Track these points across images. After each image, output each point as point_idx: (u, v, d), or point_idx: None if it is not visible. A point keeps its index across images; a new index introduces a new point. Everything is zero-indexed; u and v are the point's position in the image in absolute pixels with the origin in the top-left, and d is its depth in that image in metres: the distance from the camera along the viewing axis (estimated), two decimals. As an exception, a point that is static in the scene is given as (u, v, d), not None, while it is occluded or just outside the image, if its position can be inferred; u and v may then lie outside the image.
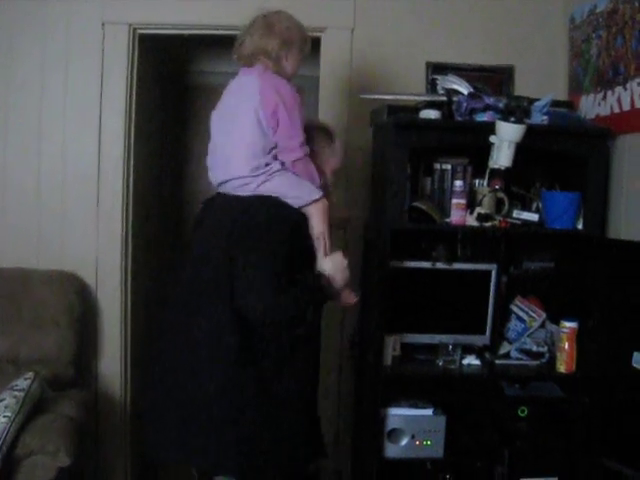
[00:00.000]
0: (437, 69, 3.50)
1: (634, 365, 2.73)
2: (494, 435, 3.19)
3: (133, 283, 3.71)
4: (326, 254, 2.34)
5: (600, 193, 3.05)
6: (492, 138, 2.87)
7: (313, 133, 2.40)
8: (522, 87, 3.52)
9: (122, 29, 3.52)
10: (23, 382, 2.86)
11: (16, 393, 2.78)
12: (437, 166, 3.17)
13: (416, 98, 3.18)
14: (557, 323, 3.17)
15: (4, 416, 2.65)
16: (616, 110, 3.01)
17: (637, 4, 2.83)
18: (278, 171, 2.25)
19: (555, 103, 3.16)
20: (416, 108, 3.11)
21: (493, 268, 3.24)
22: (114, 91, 3.54)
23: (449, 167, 3.17)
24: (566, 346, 3.08)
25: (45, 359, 3.21)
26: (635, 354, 2.73)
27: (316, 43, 3.54)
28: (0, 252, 3.52)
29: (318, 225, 2.31)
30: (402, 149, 2.96)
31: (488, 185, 3.07)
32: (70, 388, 3.21)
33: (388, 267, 3.00)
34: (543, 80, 3.54)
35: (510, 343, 3.31)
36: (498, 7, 3.58)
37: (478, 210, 3.02)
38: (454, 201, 3.04)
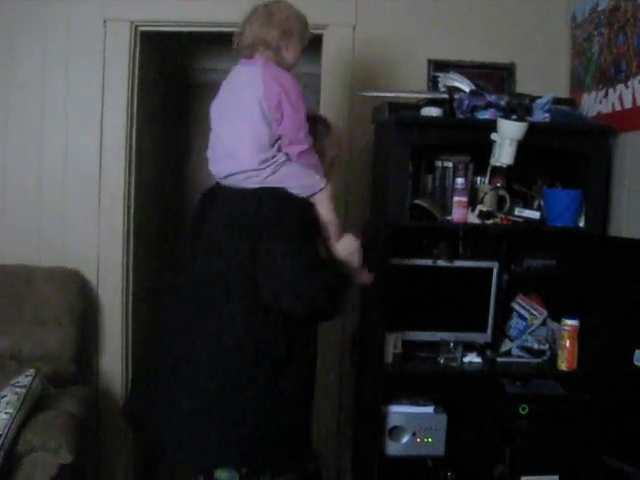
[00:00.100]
0: (439, 66, 3.49)
1: (635, 363, 2.73)
2: (495, 433, 3.19)
3: (134, 280, 3.71)
4: (338, 239, 2.36)
5: (602, 191, 3.05)
6: (494, 136, 2.87)
7: (311, 123, 2.40)
8: (524, 85, 3.51)
9: (124, 26, 3.52)
10: (24, 379, 2.86)
11: (17, 390, 2.78)
12: (438, 164, 3.17)
13: (417, 95, 3.18)
14: (558, 321, 3.17)
15: (5, 413, 2.65)
16: (618, 108, 3.01)
17: (639, 1, 2.83)
18: (284, 162, 2.25)
19: (557, 101, 3.16)
20: (417, 106, 3.11)
21: (494, 266, 3.24)
22: (116, 89, 3.54)
23: (450, 165, 3.16)
24: (567, 344, 3.08)
25: (47, 356, 3.22)
26: (636, 352, 2.73)
27: (318, 40, 3.54)
28: (2, 250, 3.52)
29: (326, 212, 2.33)
30: (403, 147, 2.96)
31: (490, 183, 3.07)
32: (71, 385, 3.21)
33: (389, 265, 3.00)
34: (545, 78, 3.53)
35: (511, 341, 3.31)
36: (500, 4, 3.58)
37: (480, 208, 3.02)
38: (455, 199, 3.04)
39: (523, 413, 3.15)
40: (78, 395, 3.12)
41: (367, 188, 3.49)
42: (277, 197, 2.22)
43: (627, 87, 2.92)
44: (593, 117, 3.20)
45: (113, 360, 3.61)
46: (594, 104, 3.21)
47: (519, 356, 3.24)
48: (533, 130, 2.85)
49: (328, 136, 2.50)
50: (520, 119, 2.85)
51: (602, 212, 3.06)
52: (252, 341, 2.15)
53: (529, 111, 3.03)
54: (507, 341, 3.32)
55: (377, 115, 3.32)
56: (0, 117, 3.54)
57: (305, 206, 2.28)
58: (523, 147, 2.85)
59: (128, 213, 3.63)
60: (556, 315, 3.24)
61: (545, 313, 3.30)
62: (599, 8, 3.16)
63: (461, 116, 3.04)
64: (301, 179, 2.27)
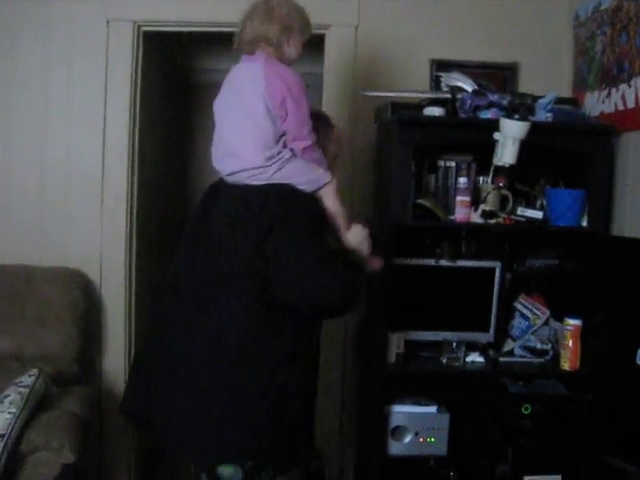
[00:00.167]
0: (441, 66, 3.49)
1: (638, 362, 2.73)
2: (498, 432, 3.19)
3: (137, 280, 3.72)
4: (347, 229, 2.37)
5: (604, 190, 3.05)
6: (496, 135, 2.87)
7: (313, 120, 2.40)
8: (526, 84, 3.51)
9: (126, 26, 3.52)
10: (27, 379, 2.86)
11: (21, 389, 2.79)
12: (441, 163, 3.17)
13: (420, 95, 3.18)
14: (561, 321, 3.17)
15: (9, 412, 2.66)
16: (620, 107, 3.01)
17: (642, 1, 2.84)
18: (289, 159, 2.25)
19: (559, 100, 3.16)
20: (420, 105, 3.11)
21: (497, 265, 3.24)
22: (118, 89, 3.55)
23: (453, 164, 3.16)
24: (570, 343, 3.08)
25: (49, 356, 3.22)
26: (639, 351, 2.73)
27: (320, 40, 3.54)
28: (4, 250, 3.52)
29: (333, 205, 2.33)
30: (406, 146, 2.96)
31: (492, 182, 3.06)
32: (74, 385, 3.21)
33: (392, 264, 3.00)
34: (547, 77, 3.53)
35: (514, 340, 3.31)
36: (503, 4, 3.58)
37: (482, 207, 3.02)
38: (458, 198, 3.04)
39: (526, 413, 3.15)
40: (81, 395, 3.12)
41: (370, 188, 3.49)
42: (283, 193, 2.22)
43: (630, 86, 2.92)
44: (596, 117, 3.20)
45: (116, 360, 3.61)
46: (597, 104, 3.21)
47: (522, 356, 3.24)
48: (536, 130, 2.85)
49: (329, 133, 2.50)
50: (523, 119, 2.85)
51: (605, 212, 3.06)
52: (254, 340, 2.14)
53: (532, 111, 3.03)
54: (510, 341, 3.32)
55: (380, 115, 3.32)
56: (2, 117, 3.55)
57: (311, 201, 2.28)
58: (526, 147, 2.85)
59: (131, 213, 3.64)
60: (559, 315, 3.24)
61: (548, 313, 3.30)
62: (602, 7, 3.16)
63: (464, 116, 3.04)
64: (307, 174, 2.27)
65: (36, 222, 3.56)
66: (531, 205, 3.21)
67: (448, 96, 3.09)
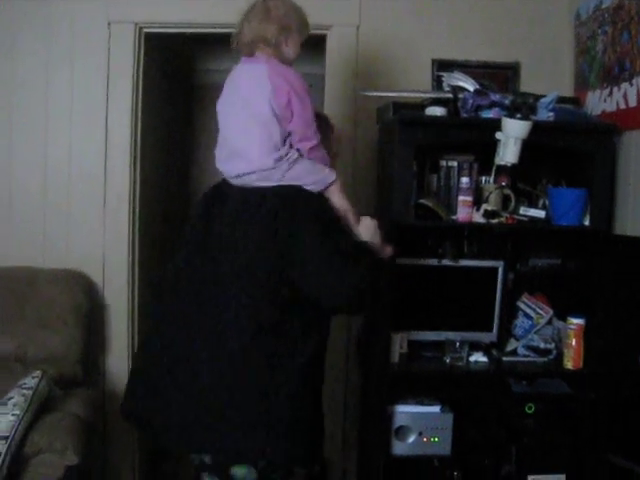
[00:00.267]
0: (443, 66, 3.49)
1: (641, 361, 2.74)
2: (501, 432, 3.19)
3: (140, 280, 3.72)
4: (357, 223, 2.38)
5: (606, 189, 3.05)
6: (498, 135, 2.87)
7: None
8: (528, 84, 3.51)
9: (128, 28, 3.53)
10: (31, 381, 2.86)
11: (24, 392, 2.79)
12: (443, 163, 3.17)
13: (422, 95, 3.18)
14: (564, 320, 3.17)
15: (13, 414, 2.66)
16: (622, 106, 3.00)
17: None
18: (296, 159, 2.25)
19: (561, 99, 3.16)
20: (422, 105, 3.11)
21: (500, 265, 3.24)
22: (120, 90, 3.55)
23: (455, 164, 3.16)
24: (573, 342, 3.08)
25: (52, 358, 3.22)
26: (642, 350, 2.73)
27: (321, 41, 3.55)
28: (6, 251, 3.53)
29: (341, 202, 2.34)
30: (408, 146, 2.96)
31: (494, 182, 3.06)
32: (78, 386, 3.21)
33: (394, 264, 3.00)
34: (549, 77, 3.53)
35: (517, 340, 3.31)
36: (504, 4, 3.58)
37: (484, 207, 3.01)
38: (460, 198, 3.04)
39: (529, 412, 3.15)
40: (84, 397, 3.13)
41: (372, 188, 3.49)
42: (287, 194, 2.22)
43: (631, 85, 2.92)
44: (597, 115, 3.20)
45: (119, 361, 3.61)
46: (598, 102, 3.21)
47: (525, 355, 3.24)
48: (537, 129, 2.85)
49: (329, 132, 2.51)
50: (524, 118, 2.85)
51: (607, 210, 3.06)
52: (255, 340, 2.14)
53: (533, 110, 3.03)
54: (513, 340, 3.32)
55: (381, 115, 3.32)
56: (4, 118, 3.55)
57: (320, 200, 2.28)
58: (528, 146, 2.85)
59: (133, 213, 3.64)
60: (562, 314, 3.24)
61: (551, 312, 3.29)
62: (603, 6, 3.16)
63: (465, 115, 3.04)
64: (314, 174, 2.27)
65: (39, 223, 3.57)
66: (533, 204, 3.21)
67: (450, 96, 3.09)
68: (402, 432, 3.09)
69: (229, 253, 2.21)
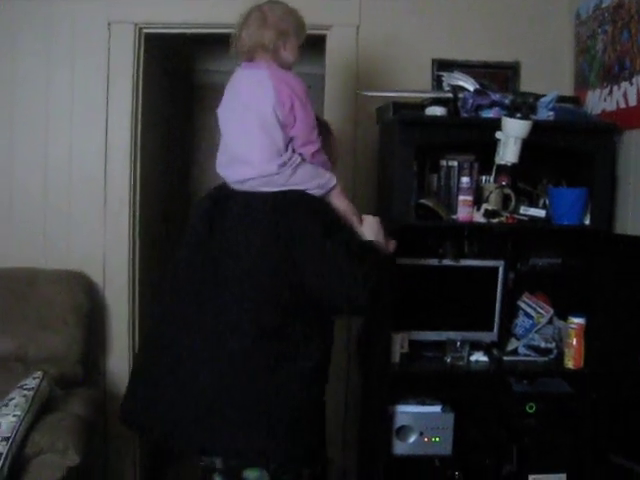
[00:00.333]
0: (443, 66, 3.49)
1: (642, 360, 2.74)
2: (502, 431, 3.19)
3: (140, 281, 3.72)
4: (360, 224, 2.38)
5: (607, 189, 3.05)
6: (498, 134, 2.87)
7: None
8: (528, 83, 3.52)
9: (128, 28, 3.53)
10: (32, 381, 2.87)
11: (25, 392, 2.79)
12: (443, 163, 3.17)
13: (422, 95, 3.18)
14: (565, 319, 3.17)
15: (14, 415, 2.66)
16: (622, 105, 3.00)
17: (643, -1, 2.83)
18: (299, 164, 2.25)
19: (561, 99, 3.16)
20: (422, 105, 3.11)
21: (500, 265, 3.24)
22: (120, 91, 3.55)
23: (455, 164, 3.16)
24: (574, 342, 3.08)
25: (53, 358, 3.22)
26: (643, 349, 2.73)
27: (321, 41, 3.55)
28: (7, 252, 3.53)
29: (343, 205, 2.35)
30: (408, 146, 2.96)
31: (495, 181, 3.07)
32: (78, 386, 3.21)
33: (395, 264, 3.00)
34: (549, 76, 3.53)
35: (518, 339, 3.31)
36: (504, 3, 3.58)
37: (485, 207, 3.01)
38: (461, 198, 3.04)
39: (530, 412, 3.15)
40: (85, 397, 3.13)
41: (372, 188, 3.49)
42: (293, 198, 2.22)
43: (631, 84, 2.92)
44: (598, 115, 3.20)
45: (120, 361, 3.61)
46: (598, 102, 3.21)
47: (526, 355, 3.24)
48: (538, 128, 2.85)
49: (329, 138, 2.51)
50: (524, 117, 2.85)
51: (607, 210, 3.06)
52: (256, 343, 2.14)
53: (533, 109, 3.03)
54: (513, 340, 3.32)
55: (382, 115, 3.32)
56: (5, 118, 3.55)
57: (321, 201, 2.29)
58: (528, 145, 2.85)
59: (134, 214, 3.64)
60: (562, 313, 3.24)
61: (551, 311, 3.29)
62: (603, 5, 3.16)
63: (465, 115, 3.04)
64: (317, 179, 2.28)
65: (39, 224, 3.57)
66: (534, 204, 3.21)
67: (450, 96, 3.08)
68: (403, 432, 3.09)
69: (231, 256, 2.21)
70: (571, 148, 3.06)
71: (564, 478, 3.15)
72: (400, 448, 3.09)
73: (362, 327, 3.50)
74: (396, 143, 2.98)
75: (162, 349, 2.27)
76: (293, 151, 2.26)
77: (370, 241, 2.32)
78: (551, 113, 3.06)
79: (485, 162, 3.09)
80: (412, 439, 3.09)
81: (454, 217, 3.07)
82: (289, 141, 2.26)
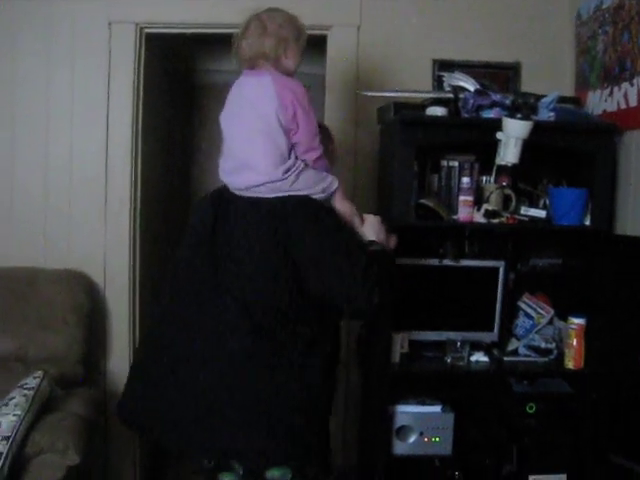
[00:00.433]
0: (443, 66, 3.49)
1: (642, 361, 2.74)
2: (502, 432, 3.19)
3: (141, 281, 3.72)
4: (362, 224, 2.39)
5: (607, 189, 3.05)
6: (499, 135, 2.87)
7: None
8: (529, 84, 3.52)
9: (128, 28, 3.53)
10: (32, 381, 2.87)
11: (26, 392, 2.79)
12: (444, 163, 3.17)
13: (422, 95, 3.18)
14: (565, 319, 3.17)
15: (14, 414, 2.66)
16: (623, 106, 3.00)
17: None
18: (303, 170, 2.25)
19: (562, 99, 3.16)
20: (423, 105, 3.11)
21: (501, 265, 3.24)
22: (121, 90, 3.55)
23: (456, 164, 3.16)
24: (574, 342, 3.08)
25: (54, 358, 3.22)
26: (643, 350, 2.73)
27: (322, 41, 3.55)
28: (8, 252, 3.53)
29: (345, 208, 2.35)
30: (409, 146, 2.96)
31: (495, 182, 3.07)
32: (79, 386, 3.21)
33: (396, 264, 3.00)
34: (550, 77, 3.53)
35: (518, 340, 3.31)
36: (504, 3, 3.58)
37: (485, 207, 3.02)
38: (461, 198, 3.04)
39: (530, 412, 3.15)
40: (85, 397, 3.13)
41: (373, 188, 3.49)
42: (293, 202, 2.22)
43: (632, 85, 2.92)
44: (598, 115, 3.20)
45: (120, 361, 3.61)
46: (599, 102, 3.21)
47: (526, 355, 3.24)
48: (538, 129, 2.85)
49: (329, 144, 2.53)
50: (525, 118, 2.85)
51: (608, 210, 3.06)
52: (256, 344, 2.14)
53: (534, 110, 3.03)
54: (514, 340, 3.32)
55: (382, 115, 3.32)
56: (5, 118, 3.55)
57: (321, 206, 2.29)
58: (528, 146, 2.85)
59: (134, 214, 3.64)
60: (563, 314, 3.24)
61: (552, 312, 3.29)
62: (604, 6, 3.16)
63: (466, 115, 3.04)
64: (320, 183, 2.28)
65: (40, 224, 3.57)
66: (534, 204, 3.21)
67: (450, 96, 3.09)
68: (403, 432, 3.09)
69: (232, 260, 2.21)
70: (572, 148, 3.06)
71: (564, 478, 3.15)
72: (400, 448, 3.09)
73: (362, 327, 3.50)
74: (397, 143, 2.98)
75: (162, 349, 2.27)
76: (296, 158, 2.26)
77: (371, 241, 2.33)
78: (552, 114, 3.06)
79: (486, 162, 3.09)
80: (412, 439, 3.09)
81: (454, 217, 3.07)
82: (292, 147, 2.27)
